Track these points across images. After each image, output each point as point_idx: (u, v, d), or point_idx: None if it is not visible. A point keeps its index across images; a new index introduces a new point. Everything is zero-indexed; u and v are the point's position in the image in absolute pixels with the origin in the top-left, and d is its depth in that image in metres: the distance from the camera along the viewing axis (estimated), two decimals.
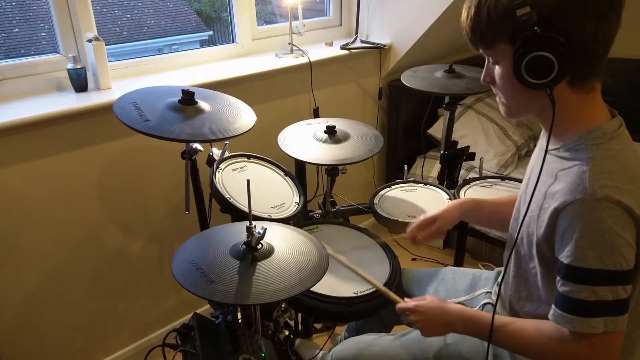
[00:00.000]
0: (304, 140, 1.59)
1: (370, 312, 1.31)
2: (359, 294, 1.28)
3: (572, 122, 0.89)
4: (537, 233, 0.92)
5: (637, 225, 0.82)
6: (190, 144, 1.43)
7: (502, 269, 1.15)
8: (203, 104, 1.40)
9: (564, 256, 0.84)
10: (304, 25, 2.25)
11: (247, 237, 1.07)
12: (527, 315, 1.02)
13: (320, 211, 1.79)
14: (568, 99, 0.88)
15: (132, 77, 1.81)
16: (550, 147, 0.95)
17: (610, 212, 0.80)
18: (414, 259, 2.59)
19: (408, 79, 1.85)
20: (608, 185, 0.81)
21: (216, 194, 1.42)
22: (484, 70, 0.97)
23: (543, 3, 0.80)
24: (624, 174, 0.83)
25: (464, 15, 0.91)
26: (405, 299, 1.13)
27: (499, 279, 1.19)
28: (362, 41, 2.38)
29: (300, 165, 1.80)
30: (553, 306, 0.88)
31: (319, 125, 1.65)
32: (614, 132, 0.87)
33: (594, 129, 0.87)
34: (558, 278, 0.87)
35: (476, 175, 1.83)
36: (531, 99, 0.90)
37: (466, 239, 1.92)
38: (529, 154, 2.64)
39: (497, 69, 0.92)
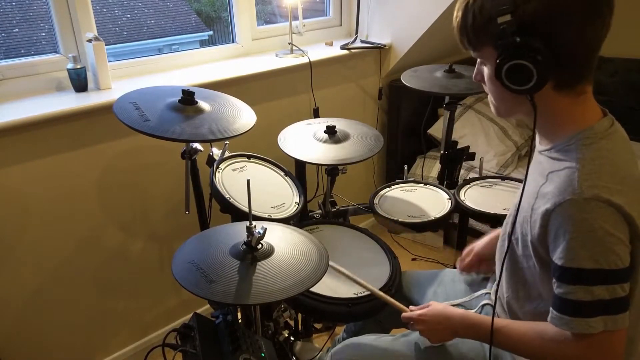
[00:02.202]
0: (304, 140, 1.59)
1: (370, 313, 1.31)
2: (359, 295, 1.28)
3: (563, 123, 0.90)
4: (530, 233, 0.92)
5: (629, 223, 0.82)
6: (190, 144, 1.43)
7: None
8: (203, 104, 1.40)
9: (557, 257, 0.84)
10: (304, 25, 2.25)
11: (247, 237, 1.07)
12: (526, 315, 1.02)
13: (320, 211, 1.79)
14: (557, 102, 0.88)
15: (132, 77, 1.81)
16: (542, 147, 0.96)
17: (600, 211, 0.80)
18: (414, 259, 2.59)
19: (408, 79, 1.85)
20: (597, 185, 0.81)
21: (216, 194, 1.42)
22: (475, 68, 0.97)
23: (524, 11, 0.80)
24: (614, 174, 0.83)
25: (454, 16, 0.92)
26: (411, 307, 1.14)
27: (495, 282, 1.19)
28: (362, 41, 2.38)
29: (300, 165, 1.80)
30: (551, 309, 0.88)
31: (319, 125, 1.65)
32: (605, 132, 0.87)
33: (585, 129, 0.87)
34: (554, 280, 0.87)
35: (476, 175, 1.83)
36: (517, 102, 0.91)
37: (466, 239, 1.92)
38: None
39: (485, 70, 0.93)
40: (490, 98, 0.98)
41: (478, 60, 0.96)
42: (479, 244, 1.30)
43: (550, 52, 0.80)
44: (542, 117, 0.89)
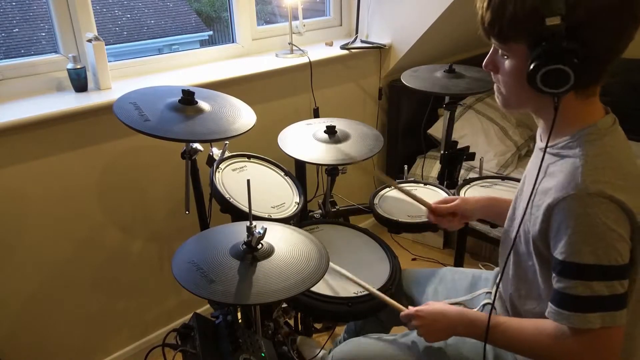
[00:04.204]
0: (304, 140, 1.59)
1: (370, 312, 1.31)
2: (359, 294, 1.28)
3: (569, 121, 0.90)
4: (532, 230, 0.92)
5: (630, 219, 0.82)
6: (190, 144, 1.43)
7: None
8: (203, 104, 1.40)
9: (559, 252, 0.85)
10: (304, 25, 2.25)
11: (247, 237, 1.07)
12: (528, 314, 1.02)
13: (320, 211, 1.79)
14: (569, 101, 0.88)
15: (132, 77, 1.81)
16: (543, 145, 0.95)
17: (603, 206, 0.80)
18: (414, 259, 2.59)
19: (408, 79, 1.85)
20: (601, 180, 0.82)
21: (216, 194, 1.42)
22: (488, 56, 0.95)
23: (575, 17, 0.78)
24: (617, 170, 0.83)
25: (483, 3, 0.88)
26: (409, 307, 1.14)
27: (497, 279, 1.19)
28: (362, 41, 2.38)
29: (300, 165, 1.80)
30: (550, 303, 0.88)
31: (319, 125, 1.65)
32: (608, 129, 0.88)
33: (588, 126, 0.88)
34: (554, 275, 0.87)
35: (476, 175, 1.83)
36: (532, 98, 0.90)
37: (466, 239, 1.92)
38: (529, 154, 2.64)
39: (506, 63, 0.91)
40: (499, 88, 0.96)
41: (496, 50, 0.93)
42: (463, 200, 1.30)
43: (585, 58, 0.79)
44: (551, 115, 0.88)
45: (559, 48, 0.79)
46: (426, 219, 1.58)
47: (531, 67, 0.82)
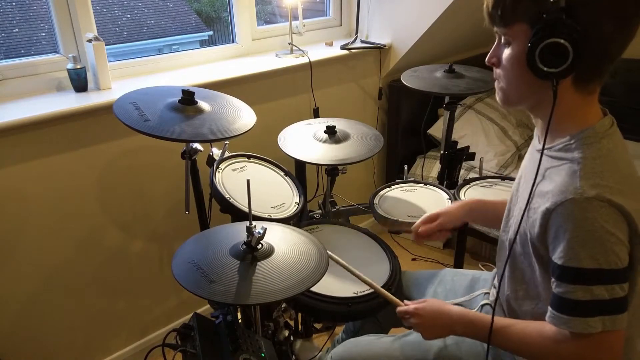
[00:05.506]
0: (304, 140, 1.59)
1: (370, 313, 1.32)
2: (359, 294, 1.28)
3: (567, 121, 0.90)
4: (530, 232, 0.92)
5: (629, 223, 0.82)
6: (190, 144, 1.43)
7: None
8: (203, 104, 1.40)
9: (557, 257, 0.84)
10: (304, 25, 2.25)
11: (247, 237, 1.07)
12: (525, 314, 1.02)
13: (320, 211, 1.79)
14: (569, 98, 0.88)
15: (132, 77, 1.81)
16: (541, 146, 0.95)
17: (602, 210, 0.80)
18: (414, 259, 2.59)
19: (408, 79, 1.85)
20: (599, 184, 0.81)
21: (216, 194, 1.42)
22: (492, 51, 0.95)
23: None
24: (615, 173, 0.83)
25: None
26: (405, 302, 1.13)
27: (495, 280, 1.19)
28: (362, 41, 2.38)
29: (300, 165, 1.80)
30: (550, 308, 0.88)
31: (319, 125, 1.65)
32: (606, 131, 0.87)
33: (586, 128, 0.87)
34: (553, 279, 0.87)
35: (476, 175, 1.83)
36: (532, 90, 0.90)
37: (466, 239, 1.91)
38: None
39: (507, 51, 0.90)
40: (499, 84, 0.95)
41: (500, 41, 0.93)
42: (445, 215, 1.29)
43: (588, 40, 0.79)
44: (549, 111, 0.87)
45: (558, 20, 0.79)
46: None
47: (530, 43, 0.82)
